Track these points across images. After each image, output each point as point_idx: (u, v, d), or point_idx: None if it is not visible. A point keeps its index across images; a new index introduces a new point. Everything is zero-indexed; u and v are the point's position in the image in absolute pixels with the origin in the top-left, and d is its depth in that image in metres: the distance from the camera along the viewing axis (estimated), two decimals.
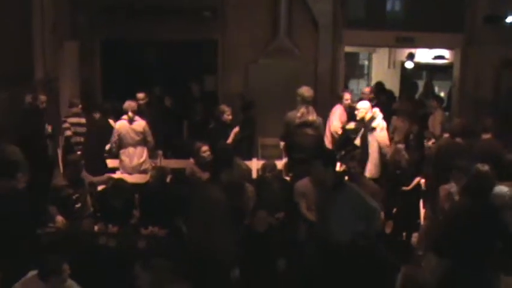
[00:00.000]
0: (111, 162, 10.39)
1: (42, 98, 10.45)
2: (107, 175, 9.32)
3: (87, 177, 8.58)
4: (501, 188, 7.04)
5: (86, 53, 13.46)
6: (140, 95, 11.28)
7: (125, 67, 13.88)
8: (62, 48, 12.49)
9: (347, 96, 11.57)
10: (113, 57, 13.84)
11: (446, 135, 9.62)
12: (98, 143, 10.38)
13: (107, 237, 7.46)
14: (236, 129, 10.47)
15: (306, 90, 9.77)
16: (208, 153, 8.52)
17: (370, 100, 11.08)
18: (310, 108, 9.45)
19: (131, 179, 9.45)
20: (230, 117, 10.30)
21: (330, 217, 6.58)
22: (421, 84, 17.36)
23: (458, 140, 9.06)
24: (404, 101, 12.85)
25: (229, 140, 10.21)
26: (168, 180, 8.68)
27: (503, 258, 6.73)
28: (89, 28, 13.37)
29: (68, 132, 10.94)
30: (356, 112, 9.92)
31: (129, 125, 10.10)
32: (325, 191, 6.80)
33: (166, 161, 10.56)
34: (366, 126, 9.75)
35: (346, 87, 14.32)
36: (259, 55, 13.11)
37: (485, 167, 6.63)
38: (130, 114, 10.11)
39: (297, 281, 6.99)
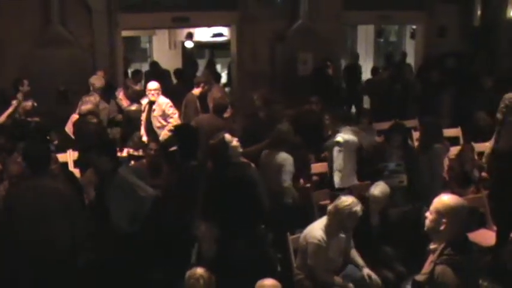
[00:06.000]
0: None
1: None
2: None
3: None
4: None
5: None
6: None
7: None
8: None
9: None
10: None
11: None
12: None
13: None
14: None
15: (95, 79, 10.72)
16: None
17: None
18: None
19: None
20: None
21: (110, 204, 6.71)
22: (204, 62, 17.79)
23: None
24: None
25: None
26: None
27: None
28: None
29: None
30: (150, 94, 10.10)
31: None
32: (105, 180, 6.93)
33: None
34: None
35: (126, 71, 14.34)
36: (34, 46, 12.54)
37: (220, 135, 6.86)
38: None
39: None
